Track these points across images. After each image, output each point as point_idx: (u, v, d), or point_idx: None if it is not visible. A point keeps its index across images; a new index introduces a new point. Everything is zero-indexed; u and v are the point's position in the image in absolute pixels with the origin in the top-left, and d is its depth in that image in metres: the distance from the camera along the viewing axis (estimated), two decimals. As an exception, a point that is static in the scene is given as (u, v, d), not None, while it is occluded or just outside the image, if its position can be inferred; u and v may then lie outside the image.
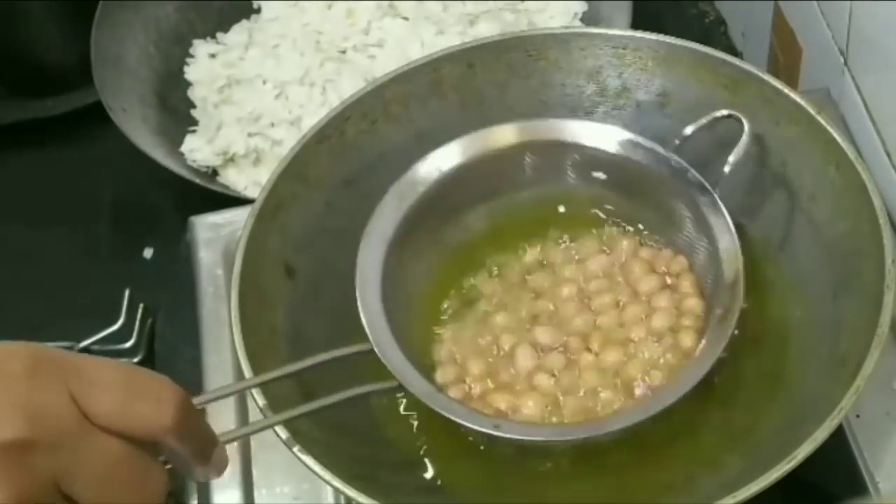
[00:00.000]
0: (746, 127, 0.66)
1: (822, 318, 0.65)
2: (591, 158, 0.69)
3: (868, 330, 0.59)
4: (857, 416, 0.68)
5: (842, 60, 0.80)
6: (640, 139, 0.68)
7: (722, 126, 0.68)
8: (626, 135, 0.69)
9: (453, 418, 0.60)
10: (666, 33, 0.72)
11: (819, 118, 0.67)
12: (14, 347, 0.45)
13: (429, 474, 0.65)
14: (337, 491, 0.59)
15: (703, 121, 0.68)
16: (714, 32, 1.05)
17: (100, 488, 0.45)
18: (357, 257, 0.65)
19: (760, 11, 0.94)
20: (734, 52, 1.02)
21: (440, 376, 0.65)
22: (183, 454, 0.48)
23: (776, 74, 0.71)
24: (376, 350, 0.61)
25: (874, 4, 0.73)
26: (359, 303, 0.63)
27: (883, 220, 0.63)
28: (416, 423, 0.66)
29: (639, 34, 0.73)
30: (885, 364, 0.62)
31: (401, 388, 0.61)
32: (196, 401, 0.50)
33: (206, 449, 0.50)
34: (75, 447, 0.44)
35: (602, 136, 0.69)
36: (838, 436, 0.64)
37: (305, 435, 0.59)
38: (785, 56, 0.91)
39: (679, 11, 1.07)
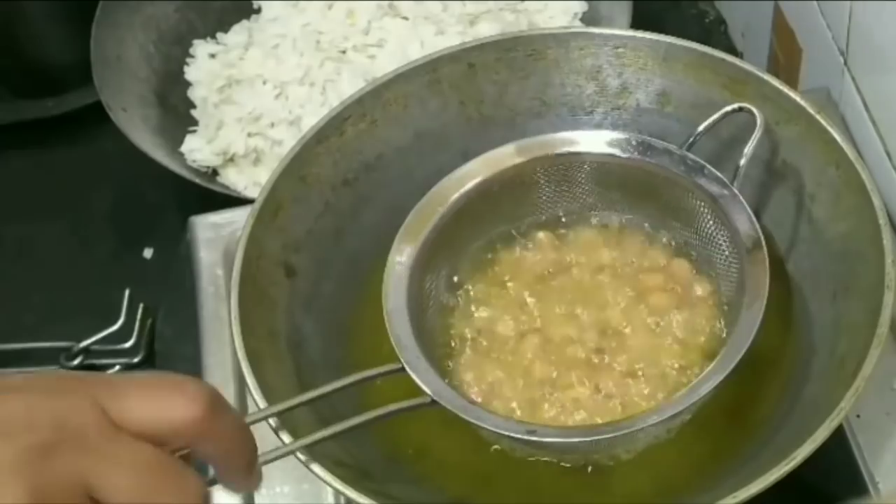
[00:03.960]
0: (759, 118, 0.66)
1: (821, 318, 0.65)
2: (605, 166, 0.69)
3: (868, 330, 0.59)
4: (858, 416, 0.68)
5: (842, 60, 0.80)
6: (653, 140, 0.68)
7: (724, 126, 0.68)
8: (639, 138, 0.68)
9: (490, 428, 0.60)
10: (666, 33, 0.72)
11: (819, 118, 0.67)
12: (46, 370, 0.45)
13: (429, 474, 0.65)
14: (337, 492, 0.59)
15: (716, 116, 0.67)
16: (714, 32, 1.05)
17: (131, 495, 0.43)
18: (384, 281, 0.64)
19: (760, 11, 0.94)
20: (734, 51, 1.02)
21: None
22: (217, 457, 0.46)
23: (776, 74, 0.71)
24: (408, 369, 0.60)
25: (874, 4, 0.73)
26: (387, 322, 0.63)
27: (883, 220, 0.63)
28: (418, 424, 0.66)
29: (639, 34, 0.73)
30: (885, 364, 0.62)
31: (433, 403, 0.60)
32: None
33: (244, 455, 0.48)
34: (103, 451, 0.43)
35: (613, 141, 0.69)
36: (838, 436, 0.64)
37: (305, 436, 0.59)
38: (785, 56, 0.91)
39: (679, 11, 1.07)
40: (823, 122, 0.67)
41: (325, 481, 0.58)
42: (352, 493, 0.57)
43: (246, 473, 0.49)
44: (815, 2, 0.82)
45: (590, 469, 0.64)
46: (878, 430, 0.68)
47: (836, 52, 0.80)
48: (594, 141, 0.69)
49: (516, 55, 0.73)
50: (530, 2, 0.99)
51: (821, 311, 0.65)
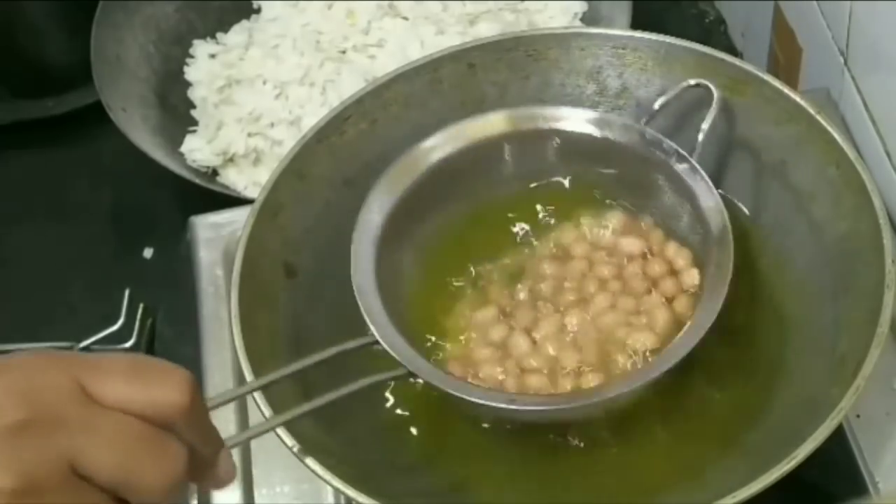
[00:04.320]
0: (716, 94, 0.67)
1: (822, 318, 0.65)
2: (570, 141, 0.69)
3: (868, 330, 0.59)
4: (858, 416, 0.68)
5: (842, 60, 0.80)
6: (611, 116, 0.69)
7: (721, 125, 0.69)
8: (595, 114, 0.69)
9: (468, 398, 0.60)
10: (666, 33, 0.72)
11: (819, 118, 0.67)
12: (26, 350, 0.45)
13: (430, 475, 0.65)
14: (337, 491, 0.59)
15: (672, 92, 0.68)
16: (714, 32, 1.05)
17: (116, 465, 0.43)
18: (351, 250, 0.65)
19: (760, 11, 0.94)
20: (734, 52, 1.02)
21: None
22: (192, 445, 0.46)
23: (776, 74, 0.71)
24: (380, 339, 0.61)
25: (874, 4, 0.73)
26: (357, 295, 0.63)
27: (883, 220, 0.63)
28: (417, 423, 0.66)
29: (639, 34, 0.73)
30: (885, 364, 0.62)
31: (409, 374, 0.60)
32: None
33: (213, 449, 0.48)
34: (83, 425, 0.43)
35: (576, 117, 0.69)
36: (838, 436, 0.64)
37: (305, 435, 0.59)
38: (785, 56, 0.91)
39: (679, 11, 1.07)
40: (823, 122, 0.67)
41: (325, 480, 0.58)
42: (352, 493, 0.57)
43: (212, 465, 0.49)
44: (815, 2, 0.82)
45: (587, 467, 0.64)
46: (878, 430, 0.68)
47: (836, 52, 0.80)
48: (557, 117, 0.69)
49: (516, 55, 0.74)
50: (530, 2, 0.99)
51: (821, 310, 0.65)
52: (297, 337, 0.67)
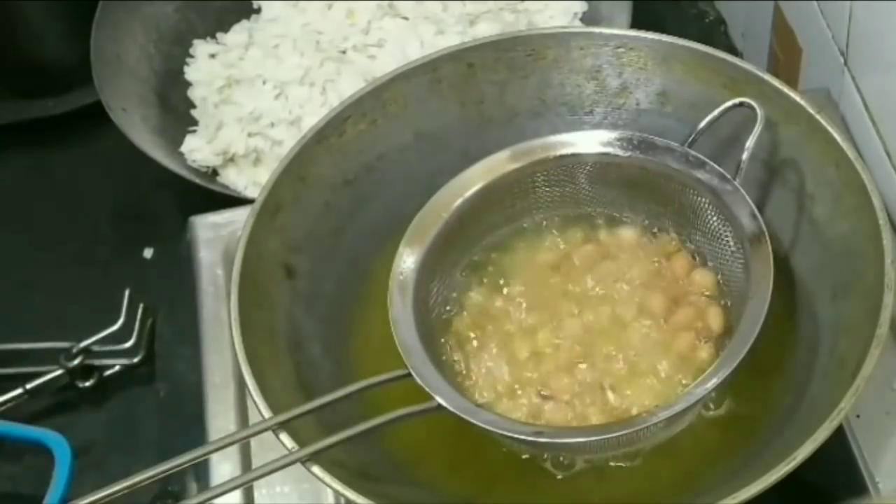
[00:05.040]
0: (760, 113, 0.66)
1: (821, 318, 0.65)
2: (606, 166, 0.69)
3: (868, 330, 0.59)
4: (857, 416, 0.68)
5: (842, 60, 0.80)
6: (654, 138, 0.68)
7: (723, 125, 0.68)
8: (640, 136, 0.69)
9: (496, 431, 0.60)
10: (666, 33, 0.72)
11: (819, 118, 0.67)
12: None
13: (428, 474, 0.65)
14: (337, 492, 0.59)
15: (716, 112, 0.67)
16: (714, 32, 1.05)
17: None
18: (389, 288, 0.65)
19: (760, 11, 0.94)
20: (734, 51, 1.02)
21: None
22: None
23: (776, 74, 0.71)
24: (414, 375, 0.61)
25: (874, 4, 0.73)
26: (393, 330, 0.63)
27: (883, 220, 0.63)
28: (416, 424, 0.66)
29: (638, 34, 0.73)
30: (885, 364, 0.62)
31: (439, 408, 0.60)
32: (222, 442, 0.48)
33: None
34: None
35: (614, 140, 0.69)
36: (838, 436, 0.64)
37: (306, 438, 0.59)
38: (785, 56, 0.91)
39: (679, 11, 1.07)
40: (823, 122, 0.67)
41: (324, 482, 0.58)
42: (351, 494, 0.57)
43: None
44: (815, 2, 0.82)
45: (590, 469, 0.64)
46: (878, 430, 0.68)
47: (836, 52, 0.80)
48: (593, 141, 0.69)
49: (516, 55, 0.73)
50: (530, 2, 0.99)
51: (821, 310, 0.65)
52: (296, 337, 0.67)
